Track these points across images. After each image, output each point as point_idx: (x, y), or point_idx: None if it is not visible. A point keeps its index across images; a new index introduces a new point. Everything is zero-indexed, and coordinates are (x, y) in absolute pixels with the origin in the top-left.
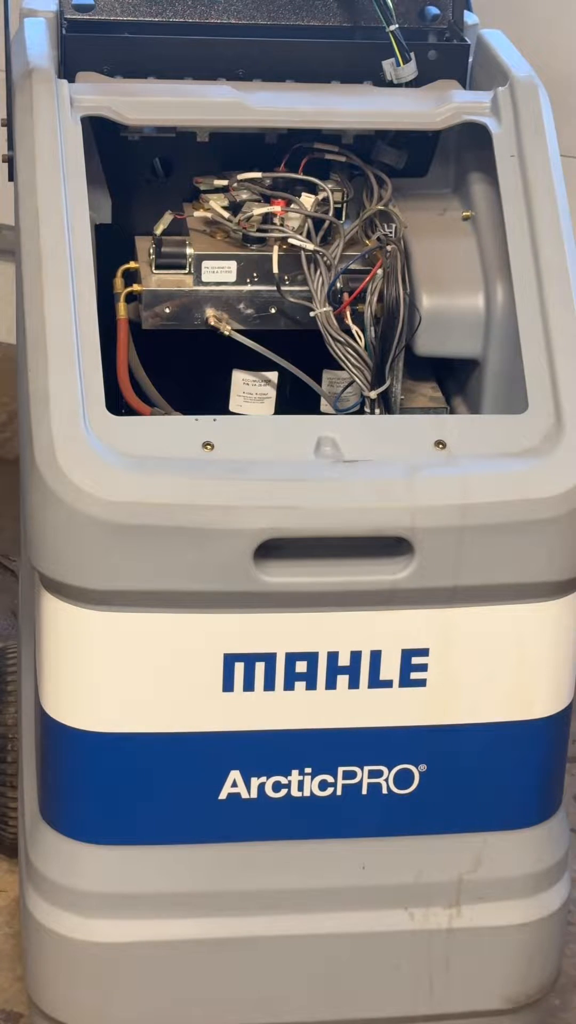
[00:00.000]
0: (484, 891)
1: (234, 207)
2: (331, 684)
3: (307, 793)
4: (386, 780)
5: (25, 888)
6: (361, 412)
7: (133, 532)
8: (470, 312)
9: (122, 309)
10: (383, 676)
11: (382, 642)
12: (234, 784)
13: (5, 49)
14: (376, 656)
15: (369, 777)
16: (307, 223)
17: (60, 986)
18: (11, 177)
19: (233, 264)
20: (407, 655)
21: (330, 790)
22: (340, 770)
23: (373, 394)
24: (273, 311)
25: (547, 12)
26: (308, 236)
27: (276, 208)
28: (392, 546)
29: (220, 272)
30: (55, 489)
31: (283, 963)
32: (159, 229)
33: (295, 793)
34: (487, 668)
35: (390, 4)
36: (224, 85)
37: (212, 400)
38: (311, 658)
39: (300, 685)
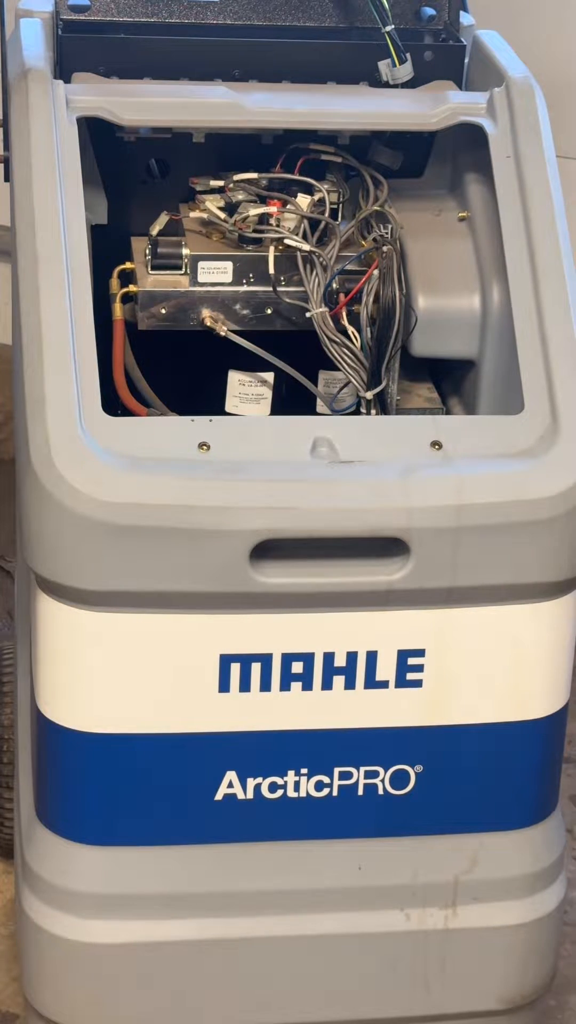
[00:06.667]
0: (480, 892)
1: (230, 208)
2: (327, 685)
3: (303, 794)
4: (382, 781)
5: (21, 889)
6: (357, 413)
7: (129, 533)
8: (466, 313)
9: (118, 310)
10: (379, 677)
11: (378, 643)
12: (230, 785)
13: (1, 50)
14: (372, 657)
15: (365, 778)
16: (303, 224)
17: (56, 987)
18: (7, 178)
19: (229, 265)
20: (403, 656)
21: (326, 791)
22: (336, 771)
23: (369, 395)
24: (269, 312)
25: (544, 13)
26: (304, 237)
27: (272, 209)
28: (388, 547)
29: (216, 273)
30: (51, 490)
31: (279, 964)
32: (155, 230)
33: (291, 794)
34: (483, 669)
35: (386, 5)
36: (220, 86)
37: (208, 401)
38: (307, 659)
39: (296, 686)
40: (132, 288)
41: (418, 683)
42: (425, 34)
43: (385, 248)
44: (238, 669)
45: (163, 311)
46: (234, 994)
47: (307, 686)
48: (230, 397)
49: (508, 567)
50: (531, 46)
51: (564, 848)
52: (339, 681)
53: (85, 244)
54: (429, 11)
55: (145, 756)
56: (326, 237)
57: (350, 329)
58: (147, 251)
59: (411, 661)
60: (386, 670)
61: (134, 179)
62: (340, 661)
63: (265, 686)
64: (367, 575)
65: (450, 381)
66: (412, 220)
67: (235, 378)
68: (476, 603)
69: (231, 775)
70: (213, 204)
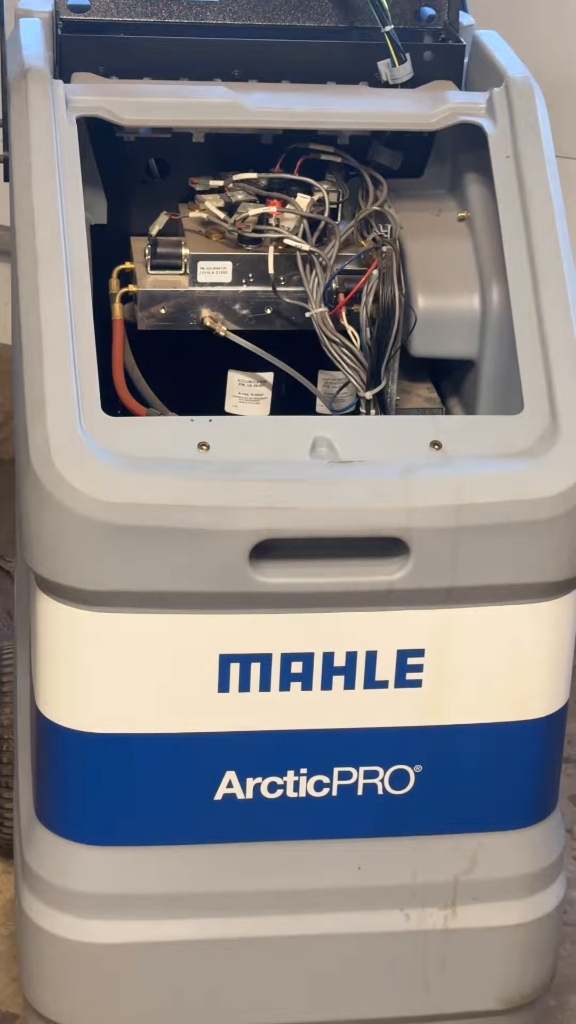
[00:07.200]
0: (480, 892)
1: (230, 208)
2: (327, 685)
3: (302, 794)
4: (382, 781)
5: (20, 889)
6: (357, 413)
7: (129, 533)
8: (466, 313)
9: (118, 310)
10: (379, 677)
11: (378, 643)
12: (229, 785)
13: (1, 50)
14: (372, 657)
15: (365, 778)
16: (303, 224)
17: (55, 987)
18: (7, 178)
19: (228, 265)
20: (403, 656)
21: (325, 791)
22: (336, 771)
23: (369, 395)
24: (269, 312)
25: (543, 13)
26: (304, 237)
27: (272, 209)
28: (388, 547)
29: (216, 273)
30: (51, 490)
31: (279, 964)
32: (154, 230)
33: (290, 794)
34: (483, 669)
35: (386, 5)
36: (220, 86)
37: (208, 401)
38: (307, 659)
39: (296, 686)
40: (132, 288)
41: (417, 683)
42: (425, 34)
43: (385, 248)
44: (237, 669)
45: (163, 311)
46: (234, 994)
47: (306, 686)
48: (230, 397)
49: (508, 567)
50: (531, 46)
51: (564, 848)
52: (338, 681)
53: (85, 244)
54: (429, 11)
55: (145, 756)
56: (326, 237)
57: (350, 329)
58: (147, 251)
59: (410, 661)
60: (385, 670)
61: (134, 179)
62: (339, 661)
63: (264, 686)
64: (367, 575)
65: (450, 381)
66: (412, 220)
67: (235, 378)
68: (476, 603)
69: (231, 775)
70: (213, 204)
